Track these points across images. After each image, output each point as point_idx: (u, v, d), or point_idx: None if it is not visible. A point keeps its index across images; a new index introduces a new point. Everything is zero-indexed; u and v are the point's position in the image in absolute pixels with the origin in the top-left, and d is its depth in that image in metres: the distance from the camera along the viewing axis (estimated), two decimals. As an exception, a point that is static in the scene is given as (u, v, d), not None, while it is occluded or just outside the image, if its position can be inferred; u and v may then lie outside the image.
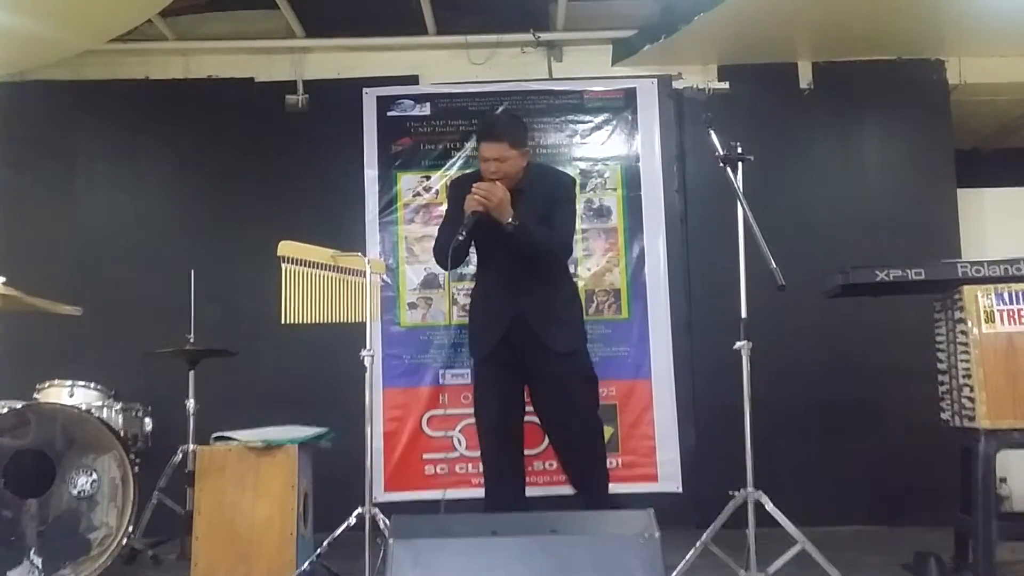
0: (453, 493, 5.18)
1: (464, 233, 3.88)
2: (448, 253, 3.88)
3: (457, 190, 4.19)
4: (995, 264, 3.61)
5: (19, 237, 5.45)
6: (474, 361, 4.32)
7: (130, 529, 3.92)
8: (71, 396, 4.30)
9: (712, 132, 3.66)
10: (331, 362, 4.82)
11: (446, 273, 5.31)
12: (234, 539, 3.74)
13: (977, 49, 5.50)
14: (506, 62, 5.67)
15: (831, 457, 5.15)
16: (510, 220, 3.89)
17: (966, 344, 3.55)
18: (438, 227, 4.38)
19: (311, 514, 4.05)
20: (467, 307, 5.30)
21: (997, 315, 3.50)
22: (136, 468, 3.97)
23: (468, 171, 4.79)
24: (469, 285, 5.32)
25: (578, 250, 5.27)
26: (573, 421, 4.19)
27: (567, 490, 4.74)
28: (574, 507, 4.30)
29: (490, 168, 4.00)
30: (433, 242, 4.33)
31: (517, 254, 4.01)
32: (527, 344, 4.07)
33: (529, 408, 4.36)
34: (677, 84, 5.62)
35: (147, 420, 4.55)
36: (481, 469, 4.41)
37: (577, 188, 4.65)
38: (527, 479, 4.59)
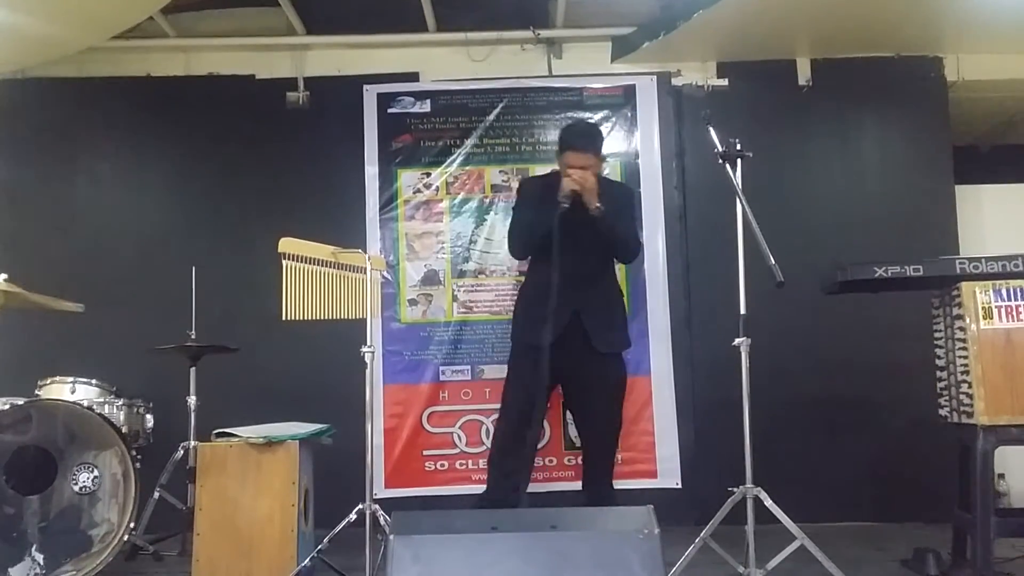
0: (453, 489, 5.21)
1: (568, 204, 4.07)
2: (534, 235, 4.19)
3: (532, 186, 4.58)
4: (993, 260, 3.62)
5: (20, 234, 5.46)
6: (518, 349, 4.42)
7: (131, 525, 3.93)
8: (73, 392, 4.31)
9: (711, 129, 3.67)
10: (332, 358, 4.84)
11: (447, 270, 5.35)
12: (235, 535, 3.75)
13: (975, 46, 5.51)
14: (506, 59, 5.67)
15: (830, 453, 5.16)
16: (597, 204, 4.10)
17: (964, 340, 3.56)
18: (509, 226, 4.58)
19: (312, 510, 4.07)
20: (467, 304, 5.34)
21: (995, 311, 3.51)
22: (137, 464, 3.98)
23: (537, 175, 4.97)
24: (470, 282, 5.36)
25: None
26: (607, 421, 4.35)
27: (567, 486, 4.78)
28: (577, 503, 4.34)
29: (575, 182, 4.13)
30: (510, 231, 4.55)
31: (588, 248, 4.18)
32: (573, 341, 4.18)
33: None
34: (676, 81, 5.63)
35: (148, 416, 4.56)
36: (488, 458, 4.52)
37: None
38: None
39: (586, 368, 4.23)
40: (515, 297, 5.30)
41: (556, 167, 4.36)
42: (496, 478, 4.34)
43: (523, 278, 5.28)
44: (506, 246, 5.34)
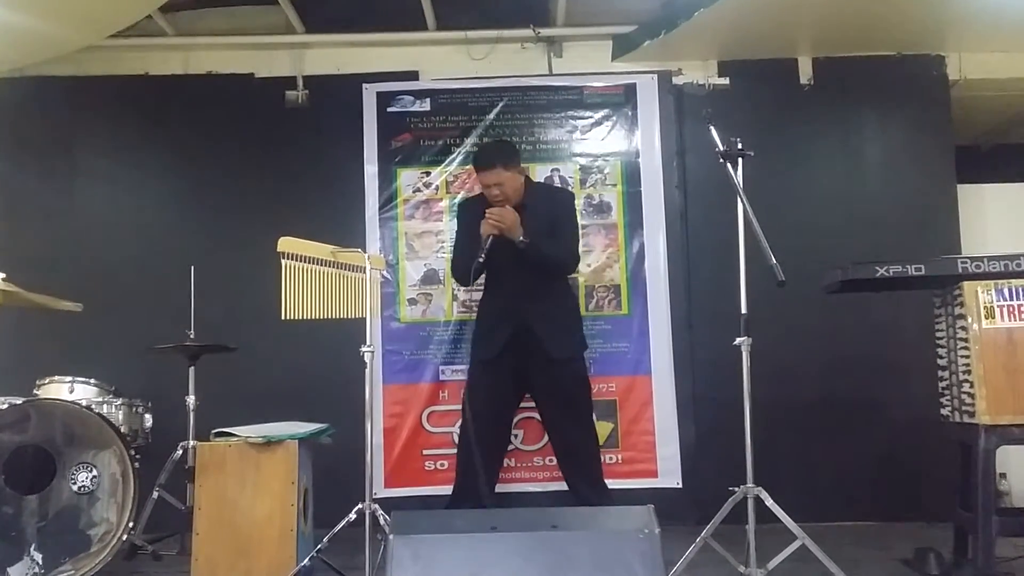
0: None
1: (483, 256, 4.23)
2: (470, 272, 4.31)
3: (465, 212, 4.63)
4: (995, 260, 3.61)
5: (19, 233, 5.45)
6: (472, 363, 4.66)
7: (130, 525, 3.92)
8: (71, 392, 4.31)
9: (712, 128, 3.66)
10: (331, 358, 4.83)
11: (446, 269, 5.34)
12: (234, 535, 3.75)
13: (977, 45, 5.50)
14: (506, 58, 5.66)
15: (831, 453, 5.15)
16: (521, 238, 4.25)
17: (966, 340, 3.55)
18: (452, 246, 4.75)
19: (311, 510, 4.06)
20: (467, 303, 5.33)
21: (997, 311, 3.50)
22: (136, 464, 3.97)
23: (472, 195, 4.98)
24: (470, 281, 5.35)
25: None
26: (573, 422, 4.48)
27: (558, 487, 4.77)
28: (569, 503, 4.35)
29: (492, 193, 4.34)
30: (451, 257, 4.78)
31: (529, 267, 4.31)
32: (529, 352, 4.35)
33: (530, 404, 4.68)
34: (677, 80, 5.61)
35: (147, 416, 4.55)
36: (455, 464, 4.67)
37: (576, 203, 4.87)
38: (527, 475, 5.13)
39: (545, 375, 4.40)
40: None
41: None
42: (459, 483, 4.51)
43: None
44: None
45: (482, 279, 4.53)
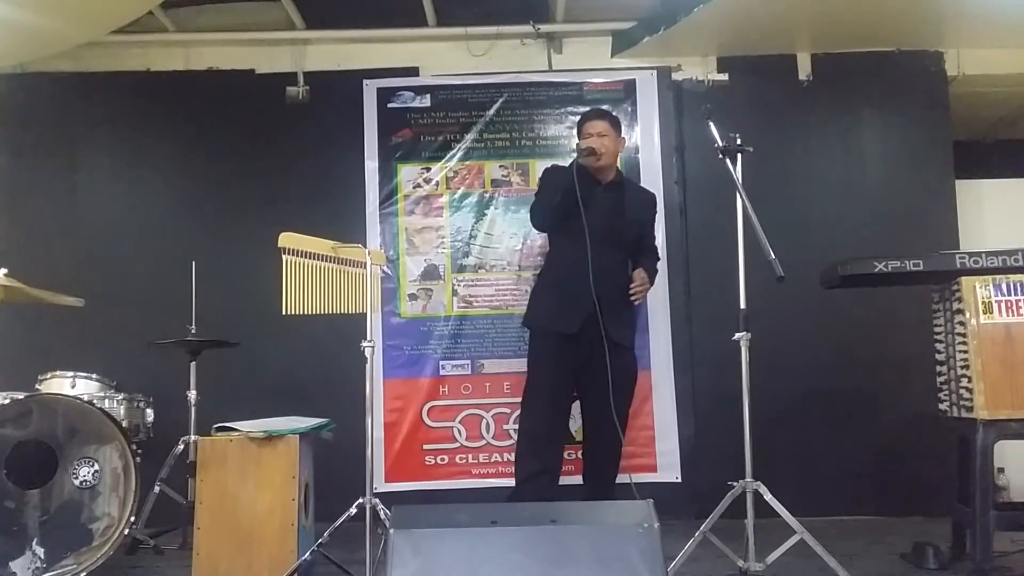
0: (454, 484, 5.21)
1: (583, 158, 4.17)
2: (555, 198, 4.13)
3: (554, 171, 4.44)
4: (993, 255, 3.62)
5: (20, 228, 5.46)
6: (542, 336, 4.36)
7: (132, 519, 3.92)
8: (73, 387, 4.31)
9: (711, 124, 3.66)
10: (332, 353, 4.85)
11: (447, 265, 5.34)
12: (235, 529, 3.75)
13: (976, 40, 5.50)
14: (506, 54, 5.67)
15: (830, 447, 5.16)
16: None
17: (964, 335, 3.56)
18: (532, 204, 4.48)
19: (312, 504, 4.07)
20: (467, 298, 5.34)
21: (995, 306, 3.51)
22: (138, 459, 3.97)
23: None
24: (470, 277, 5.36)
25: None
26: (617, 414, 4.18)
27: (566, 480, 4.74)
28: (579, 496, 4.28)
29: (594, 143, 4.24)
30: (533, 205, 4.46)
31: (613, 245, 4.24)
32: (590, 330, 4.12)
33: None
34: (676, 76, 5.62)
35: (149, 411, 4.57)
36: (516, 454, 4.40)
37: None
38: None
39: (602, 359, 4.10)
40: (515, 292, 5.31)
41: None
42: (529, 475, 4.20)
43: (522, 273, 5.31)
44: (506, 241, 5.36)
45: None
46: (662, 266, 5.31)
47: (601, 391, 4.12)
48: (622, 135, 4.51)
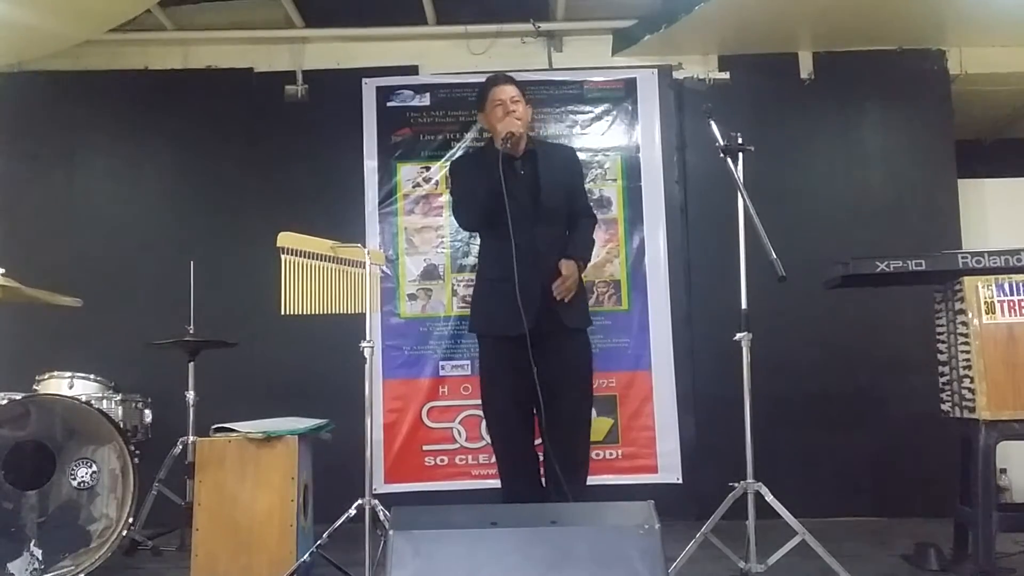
0: (453, 484, 5.19)
1: (508, 147, 3.78)
2: (478, 197, 3.82)
3: (463, 162, 4.27)
4: (996, 255, 3.61)
5: (18, 228, 5.45)
6: (491, 340, 4.01)
7: (130, 520, 3.91)
8: (71, 387, 4.30)
9: (712, 122, 3.64)
10: (331, 353, 4.83)
11: (446, 264, 5.33)
12: (234, 531, 3.74)
13: (978, 39, 5.49)
14: (506, 52, 5.65)
15: (831, 448, 5.15)
16: (561, 297, 3.84)
17: (966, 335, 3.55)
18: (452, 205, 4.18)
19: (311, 505, 4.06)
20: (467, 298, 5.32)
21: (998, 306, 3.50)
22: (136, 459, 3.96)
23: (463, 154, 4.80)
24: (470, 276, 5.34)
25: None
26: (576, 398, 3.96)
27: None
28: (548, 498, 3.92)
29: (510, 109, 3.91)
30: (454, 204, 4.14)
31: (547, 222, 3.89)
32: (542, 319, 3.79)
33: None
34: (677, 74, 5.61)
35: (147, 411, 4.56)
36: (493, 460, 4.17)
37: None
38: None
39: (559, 346, 3.85)
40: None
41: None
42: (512, 488, 3.99)
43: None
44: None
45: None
46: (662, 266, 5.33)
47: (563, 382, 3.88)
48: (528, 103, 4.09)
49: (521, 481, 3.98)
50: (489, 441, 4.32)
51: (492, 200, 3.74)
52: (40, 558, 3.75)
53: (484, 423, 4.18)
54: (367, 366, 3.72)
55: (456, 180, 4.21)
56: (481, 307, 4.07)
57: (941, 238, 5.15)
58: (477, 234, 4.35)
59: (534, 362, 3.68)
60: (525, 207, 3.85)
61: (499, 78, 4.08)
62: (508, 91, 3.97)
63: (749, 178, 3.57)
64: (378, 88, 5.55)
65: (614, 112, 5.53)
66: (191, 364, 4.64)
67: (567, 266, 3.87)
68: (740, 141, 3.58)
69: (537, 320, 3.75)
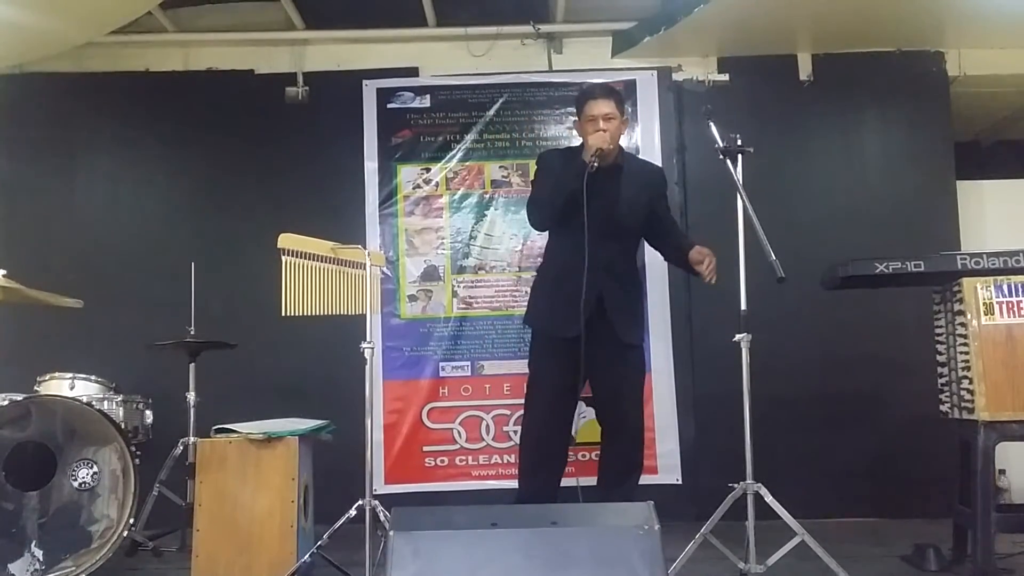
0: (453, 485, 5.20)
1: (595, 166, 3.77)
2: (557, 197, 3.84)
3: (551, 157, 4.17)
4: (994, 256, 3.62)
5: (19, 229, 5.45)
6: (543, 340, 4.10)
7: (131, 521, 3.91)
8: (72, 388, 4.30)
9: (712, 124, 3.65)
10: (331, 354, 4.84)
11: (446, 266, 5.34)
12: (235, 531, 3.74)
13: (977, 41, 5.50)
14: (506, 54, 5.66)
15: (830, 449, 5.15)
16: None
17: (965, 336, 3.55)
18: (528, 199, 4.13)
19: (311, 506, 4.06)
20: (467, 300, 5.33)
21: (996, 307, 3.50)
22: (137, 460, 3.96)
23: (556, 148, 4.76)
24: (470, 278, 5.35)
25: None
26: (631, 415, 4.04)
27: (566, 481, 4.70)
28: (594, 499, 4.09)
29: (600, 127, 3.89)
30: (530, 200, 4.11)
31: (614, 238, 3.95)
32: (598, 330, 3.88)
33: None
34: (677, 76, 5.62)
35: (148, 412, 4.56)
36: (519, 461, 4.23)
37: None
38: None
39: (612, 358, 3.92)
40: (515, 294, 5.30)
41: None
42: (532, 477, 4.05)
43: (522, 274, 5.29)
44: (506, 242, 5.35)
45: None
46: (662, 266, 5.32)
47: (616, 396, 4.00)
48: (626, 119, 4.12)
49: (541, 479, 3.99)
50: (519, 434, 4.36)
51: (570, 208, 3.80)
52: (41, 559, 3.75)
53: (524, 412, 4.13)
54: (367, 367, 3.73)
55: (540, 175, 4.16)
56: (540, 303, 4.15)
57: (940, 239, 5.15)
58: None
59: (586, 369, 3.82)
60: (600, 220, 3.85)
61: (596, 91, 4.07)
62: (602, 107, 3.94)
63: (748, 179, 3.58)
64: (378, 90, 5.55)
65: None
66: (192, 365, 4.64)
67: (700, 250, 3.92)
68: (739, 143, 3.59)
69: (591, 328, 3.83)
